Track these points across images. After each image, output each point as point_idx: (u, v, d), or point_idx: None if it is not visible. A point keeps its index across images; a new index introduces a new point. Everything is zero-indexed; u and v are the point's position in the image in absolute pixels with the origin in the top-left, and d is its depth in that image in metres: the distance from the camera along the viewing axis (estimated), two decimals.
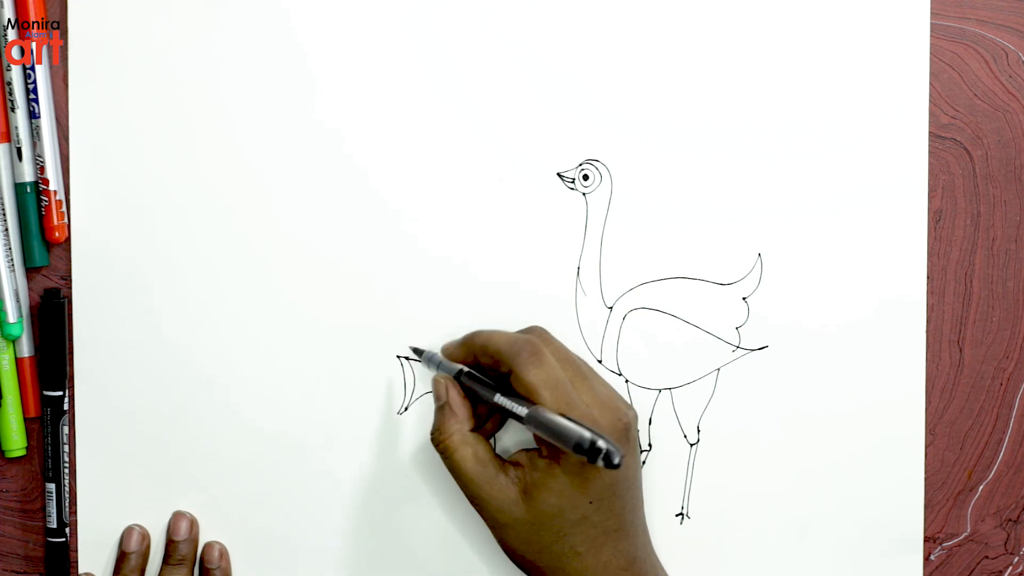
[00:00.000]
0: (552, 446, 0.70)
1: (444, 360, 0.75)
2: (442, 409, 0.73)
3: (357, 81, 0.77)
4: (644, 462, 0.78)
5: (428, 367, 0.76)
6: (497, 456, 0.73)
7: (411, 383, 0.78)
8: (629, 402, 0.75)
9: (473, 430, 0.73)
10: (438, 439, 0.73)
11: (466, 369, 0.74)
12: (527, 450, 0.73)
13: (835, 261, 0.78)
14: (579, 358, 0.75)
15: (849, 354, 0.78)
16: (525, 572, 0.73)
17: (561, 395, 0.70)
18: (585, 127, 0.78)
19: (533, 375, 0.71)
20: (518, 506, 0.71)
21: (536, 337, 0.73)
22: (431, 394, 0.77)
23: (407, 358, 0.78)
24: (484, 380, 0.73)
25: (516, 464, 0.72)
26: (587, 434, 0.67)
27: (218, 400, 0.78)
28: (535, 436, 0.72)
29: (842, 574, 0.79)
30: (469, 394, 0.74)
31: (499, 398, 0.72)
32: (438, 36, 0.77)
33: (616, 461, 0.66)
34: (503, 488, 0.71)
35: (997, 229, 0.79)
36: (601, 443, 0.66)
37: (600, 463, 0.66)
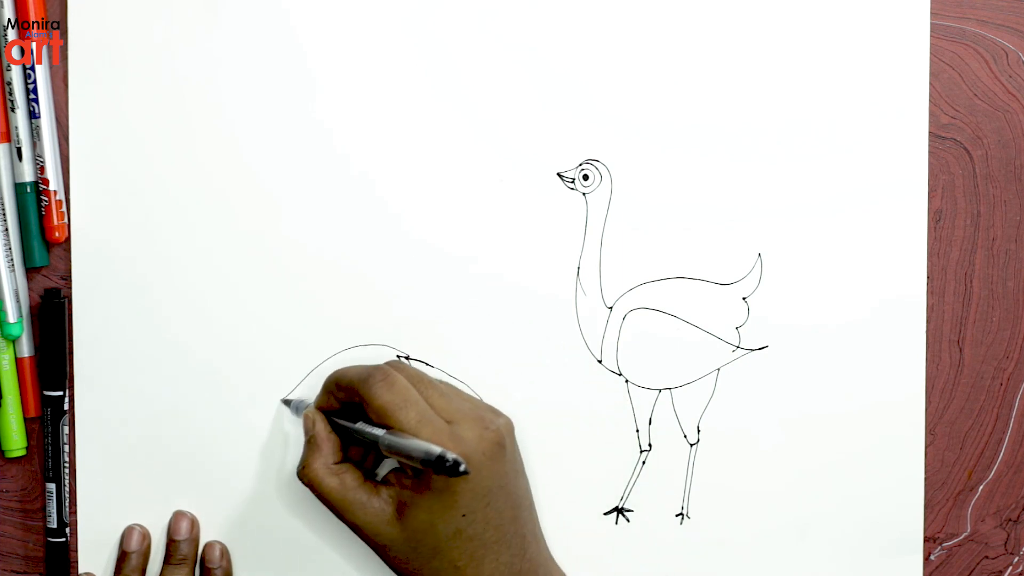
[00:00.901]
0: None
1: (309, 404, 0.76)
2: (308, 443, 0.73)
3: (357, 81, 0.77)
4: (644, 462, 0.78)
5: (296, 415, 0.77)
6: (368, 481, 0.72)
7: None
8: (501, 412, 0.73)
9: (342, 462, 0.73)
10: (301, 474, 0.73)
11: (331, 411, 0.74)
12: (397, 471, 0.72)
13: (835, 261, 0.78)
14: (440, 380, 0.75)
15: (849, 354, 0.78)
16: None
17: (414, 414, 0.70)
18: (585, 127, 0.78)
19: (384, 398, 0.71)
20: (392, 526, 0.71)
21: (388, 364, 0.73)
22: None
23: (407, 357, 0.78)
24: (345, 415, 0.74)
25: (388, 484, 0.72)
26: (434, 448, 0.67)
27: (218, 400, 0.78)
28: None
29: (842, 574, 0.79)
30: (341, 434, 0.74)
31: (359, 425, 0.72)
32: (438, 36, 0.77)
33: (462, 468, 0.66)
34: (376, 511, 0.71)
35: (997, 229, 0.79)
36: (447, 454, 0.67)
37: (446, 473, 0.67)
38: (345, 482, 0.72)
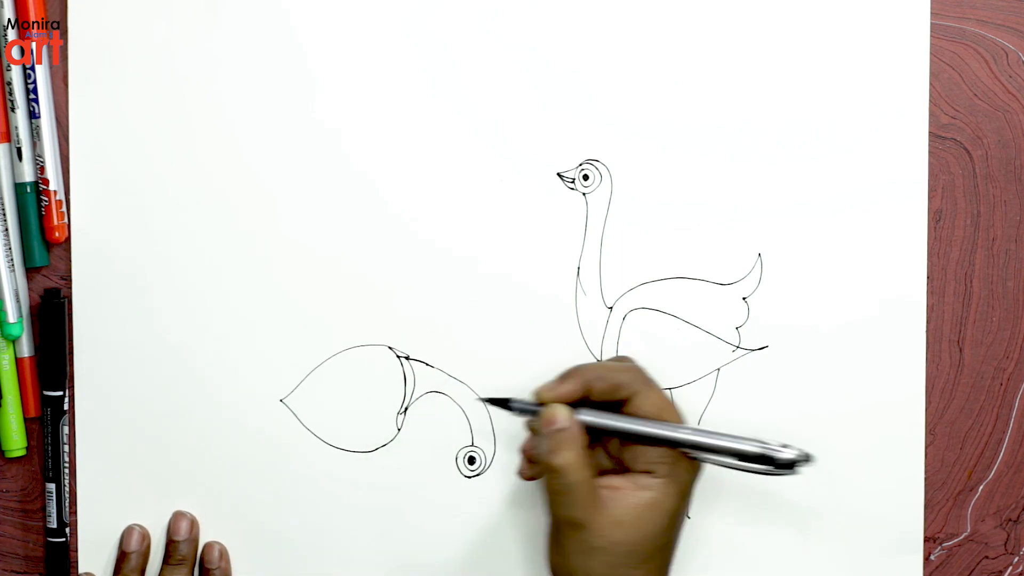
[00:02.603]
0: (697, 460, 0.71)
1: (534, 405, 0.73)
2: (562, 431, 0.71)
3: (357, 81, 0.77)
4: None
5: (521, 415, 0.73)
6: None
7: (411, 383, 0.78)
8: None
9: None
10: (557, 461, 0.70)
11: (584, 408, 0.72)
12: (622, 474, 0.71)
13: (835, 261, 0.78)
14: None
15: (849, 354, 0.78)
16: None
17: (677, 418, 0.72)
18: (585, 127, 0.78)
19: (658, 397, 0.72)
20: (616, 530, 0.69)
21: (636, 365, 0.74)
22: (432, 394, 0.77)
23: (407, 358, 0.78)
24: (605, 411, 0.72)
25: (612, 488, 0.71)
26: (773, 442, 0.70)
27: (218, 400, 0.78)
28: (637, 458, 0.71)
29: (842, 574, 0.79)
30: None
31: (644, 425, 0.71)
32: (438, 36, 0.77)
33: (807, 458, 0.69)
34: (605, 511, 0.70)
35: (997, 229, 0.79)
36: (794, 452, 0.69)
37: (773, 468, 0.69)
38: (589, 479, 0.70)
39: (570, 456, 0.70)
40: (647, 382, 0.72)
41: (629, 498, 0.70)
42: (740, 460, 0.70)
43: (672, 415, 0.72)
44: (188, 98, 0.77)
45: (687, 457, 0.71)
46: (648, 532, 0.70)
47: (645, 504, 0.70)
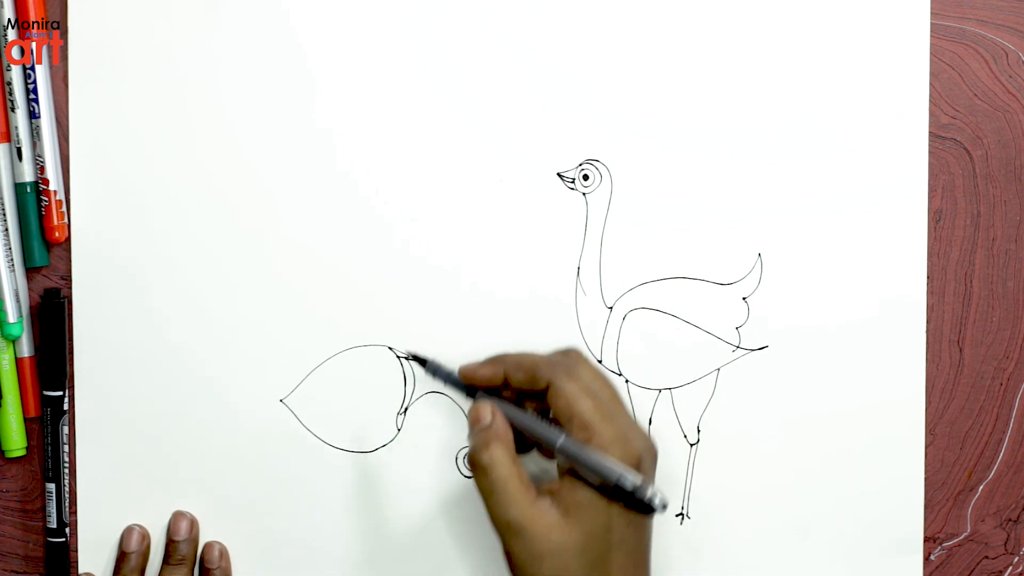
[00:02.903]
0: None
1: (453, 373, 0.73)
2: (486, 429, 0.69)
3: (357, 81, 0.77)
4: None
5: (434, 377, 0.74)
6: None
7: (411, 383, 0.78)
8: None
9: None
10: (482, 457, 0.68)
11: (497, 398, 0.72)
12: (564, 473, 0.69)
13: (835, 261, 0.78)
14: (612, 384, 0.72)
15: (849, 354, 0.78)
16: None
17: (600, 405, 0.68)
18: (585, 127, 0.78)
19: (572, 385, 0.68)
20: (560, 530, 0.67)
21: (575, 354, 0.72)
22: (432, 394, 0.77)
23: (407, 358, 0.78)
24: (515, 404, 0.71)
25: (550, 491, 0.69)
26: (628, 474, 0.66)
27: (218, 400, 0.78)
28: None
29: (842, 574, 0.79)
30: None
31: (535, 421, 0.70)
32: (438, 36, 0.77)
33: (659, 502, 0.66)
34: (545, 512, 0.67)
35: (997, 229, 0.79)
36: (650, 491, 0.66)
37: (629, 503, 0.66)
38: (523, 476, 0.68)
39: (496, 452, 0.68)
40: (567, 372, 0.69)
41: (565, 499, 0.68)
42: (604, 480, 0.67)
43: (583, 406, 0.68)
44: (188, 98, 0.77)
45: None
46: (593, 531, 0.67)
47: (579, 504, 0.67)
